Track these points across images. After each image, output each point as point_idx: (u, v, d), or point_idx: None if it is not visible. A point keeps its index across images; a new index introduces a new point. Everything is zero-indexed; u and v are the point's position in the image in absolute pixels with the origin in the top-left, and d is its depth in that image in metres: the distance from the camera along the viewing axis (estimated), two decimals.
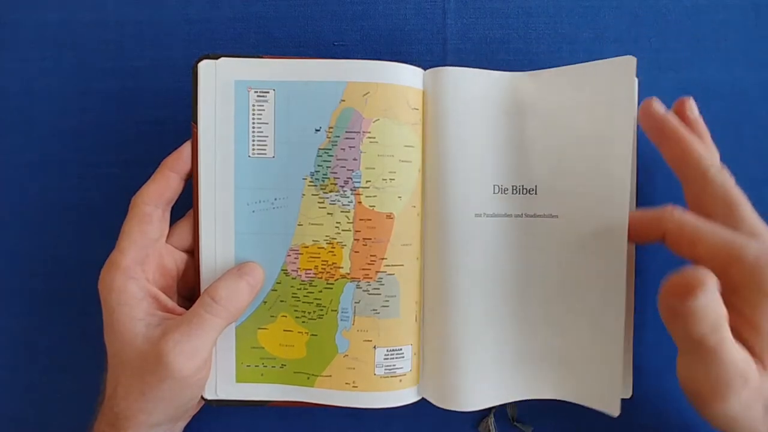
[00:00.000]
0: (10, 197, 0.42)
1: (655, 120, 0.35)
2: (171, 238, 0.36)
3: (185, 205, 0.37)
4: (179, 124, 0.40)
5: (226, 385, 0.36)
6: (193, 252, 0.37)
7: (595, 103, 0.36)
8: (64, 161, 0.41)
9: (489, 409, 0.40)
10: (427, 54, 0.41)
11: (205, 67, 0.35)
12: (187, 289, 0.37)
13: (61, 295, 0.41)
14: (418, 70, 0.37)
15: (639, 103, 0.36)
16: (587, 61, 0.36)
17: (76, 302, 0.41)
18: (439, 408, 0.37)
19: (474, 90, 0.36)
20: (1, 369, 0.42)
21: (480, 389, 0.37)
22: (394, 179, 0.36)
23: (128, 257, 0.34)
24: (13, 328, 0.42)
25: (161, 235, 0.35)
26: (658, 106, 0.35)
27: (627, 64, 0.35)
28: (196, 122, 0.35)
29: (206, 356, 0.34)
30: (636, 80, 0.36)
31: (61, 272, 0.41)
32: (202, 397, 0.36)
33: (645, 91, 0.39)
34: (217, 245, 0.36)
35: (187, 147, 0.36)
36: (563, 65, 0.37)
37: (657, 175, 0.41)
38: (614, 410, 0.35)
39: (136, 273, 0.34)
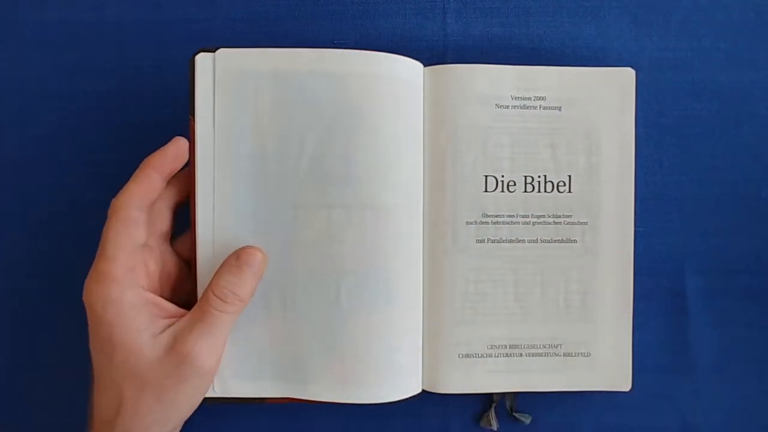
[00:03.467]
0: (10, 197, 0.42)
1: None
2: (176, 245, 0.37)
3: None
4: (179, 124, 0.40)
5: (223, 380, 0.36)
6: (164, 241, 0.36)
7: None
8: (64, 161, 0.41)
9: (489, 403, 0.40)
10: (427, 53, 0.41)
11: (202, 60, 0.35)
12: (170, 287, 0.36)
13: (60, 295, 0.41)
14: (418, 65, 0.37)
15: (637, 101, 0.38)
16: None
17: (76, 302, 0.41)
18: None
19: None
20: (0, 369, 0.42)
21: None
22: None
23: (119, 265, 0.32)
24: (13, 328, 0.42)
25: (146, 239, 0.34)
26: None
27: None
28: (193, 115, 0.35)
29: (223, 350, 0.34)
30: (634, 84, 0.38)
31: (61, 272, 0.41)
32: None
33: (645, 91, 0.40)
34: (215, 238, 0.36)
35: (171, 146, 0.35)
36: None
37: (657, 176, 0.41)
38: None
39: (130, 281, 0.32)
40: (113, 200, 0.34)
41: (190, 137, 0.36)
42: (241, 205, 0.36)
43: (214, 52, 0.35)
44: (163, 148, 0.35)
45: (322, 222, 0.36)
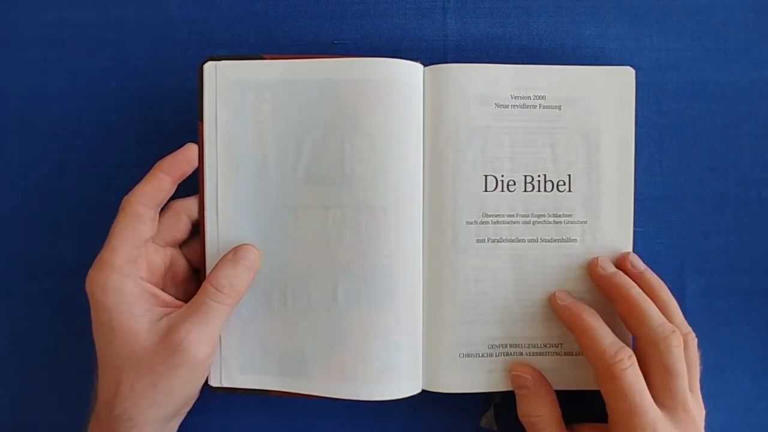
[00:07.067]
0: (10, 197, 0.42)
1: (602, 280, 0.37)
2: (186, 249, 0.38)
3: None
4: (179, 123, 0.40)
5: (230, 373, 0.37)
6: (175, 246, 0.38)
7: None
8: (64, 161, 0.41)
9: (489, 403, 0.40)
10: (427, 52, 0.41)
11: (208, 68, 0.36)
12: (174, 285, 0.38)
13: (60, 295, 0.41)
14: (418, 66, 0.37)
15: (637, 101, 0.38)
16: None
17: (76, 302, 0.41)
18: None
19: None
20: (0, 369, 0.42)
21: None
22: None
23: (120, 256, 0.34)
24: (13, 328, 0.42)
25: (151, 235, 0.35)
26: (604, 265, 0.37)
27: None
28: (201, 120, 0.37)
29: (216, 341, 0.35)
30: (633, 83, 0.38)
31: (61, 272, 0.41)
32: (208, 386, 0.37)
33: (645, 91, 0.40)
34: (220, 236, 0.37)
35: (182, 152, 0.36)
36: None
37: (657, 176, 0.41)
38: None
39: (130, 271, 0.34)
40: (124, 197, 0.35)
41: (199, 141, 0.37)
42: (243, 206, 0.37)
43: (218, 60, 0.36)
44: (174, 153, 0.36)
45: (319, 222, 0.36)
